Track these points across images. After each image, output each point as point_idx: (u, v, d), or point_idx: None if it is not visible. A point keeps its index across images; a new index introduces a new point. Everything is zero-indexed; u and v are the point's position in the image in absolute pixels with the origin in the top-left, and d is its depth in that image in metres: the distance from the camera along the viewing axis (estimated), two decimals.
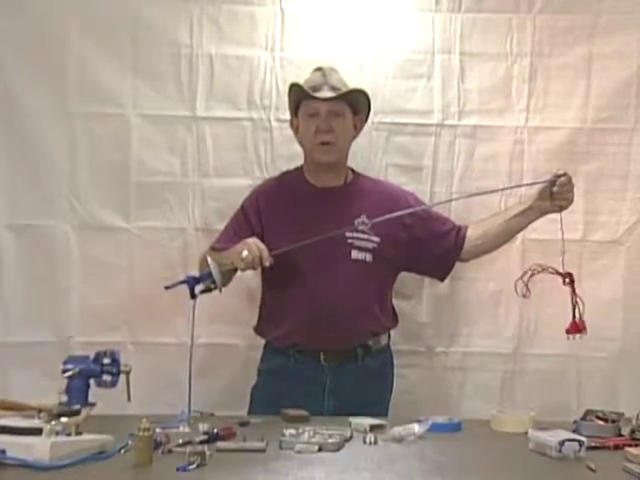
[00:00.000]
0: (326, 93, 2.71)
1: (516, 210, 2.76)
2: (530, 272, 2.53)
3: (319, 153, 2.76)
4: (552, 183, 2.62)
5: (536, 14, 3.10)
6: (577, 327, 2.51)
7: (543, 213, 2.71)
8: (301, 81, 2.76)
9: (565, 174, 2.62)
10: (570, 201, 2.65)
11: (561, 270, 2.51)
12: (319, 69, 2.79)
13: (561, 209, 2.64)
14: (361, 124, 2.85)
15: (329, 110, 2.72)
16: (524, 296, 2.55)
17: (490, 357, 3.13)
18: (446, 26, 3.11)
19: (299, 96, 2.76)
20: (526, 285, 2.53)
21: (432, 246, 2.82)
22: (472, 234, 2.82)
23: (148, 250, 3.09)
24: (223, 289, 2.58)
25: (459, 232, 2.82)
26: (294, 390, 2.64)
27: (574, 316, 2.51)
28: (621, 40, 3.09)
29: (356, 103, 2.77)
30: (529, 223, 2.77)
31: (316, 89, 2.72)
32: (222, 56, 3.11)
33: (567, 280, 2.52)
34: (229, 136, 3.12)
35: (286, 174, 2.92)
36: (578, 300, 2.50)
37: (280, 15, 3.10)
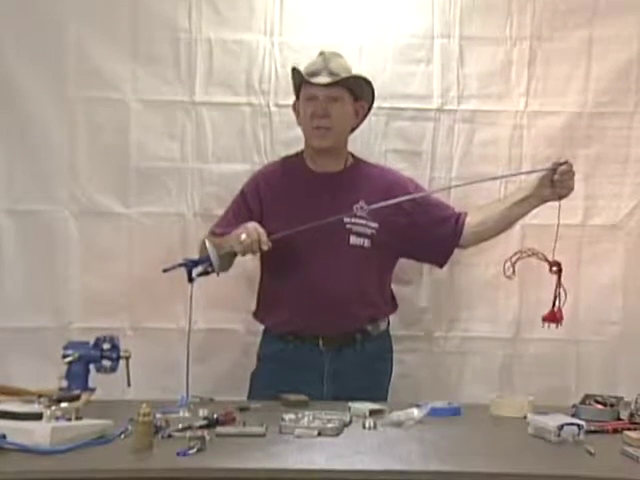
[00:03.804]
0: (324, 78, 2.69)
1: (516, 197, 2.74)
2: (519, 255, 2.53)
3: (315, 137, 2.75)
4: (553, 171, 2.60)
5: None
6: (555, 317, 2.52)
7: (543, 201, 2.68)
8: (301, 66, 2.75)
9: (566, 162, 2.59)
10: (570, 189, 2.62)
11: (553, 257, 2.50)
12: (321, 54, 2.77)
13: (560, 198, 2.61)
14: (363, 111, 2.82)
15: (327, 95, 2.70)
16: (509, 278, 2.54)
17: (489, 342, 3.13)
18: (445, 10, 3.09)
19: (299, 80, 2.75)
20: (513, 266, 2.53)
21: (431, 232, 2.81)
22: (471, 220, 2.80)
23: (147, 235, 3.09)
24: (222, 274, 2.59)
25: (458, 218, 2.81)
26: (293, 375, 2.64)
27: (554, 305, 2.51)
28: (621, 23, 3.07)
29: (356, 89, 2.75)
30: (529, 211, 2.75)
31: (314, 74, 2.70)
32: (221, 41, 3.10)
33: (554, 269, 2.51)
34: (228, 121, 3.11)
35: (286, 159, 2.90)
36: (561, 290, 2.50)
37: None
